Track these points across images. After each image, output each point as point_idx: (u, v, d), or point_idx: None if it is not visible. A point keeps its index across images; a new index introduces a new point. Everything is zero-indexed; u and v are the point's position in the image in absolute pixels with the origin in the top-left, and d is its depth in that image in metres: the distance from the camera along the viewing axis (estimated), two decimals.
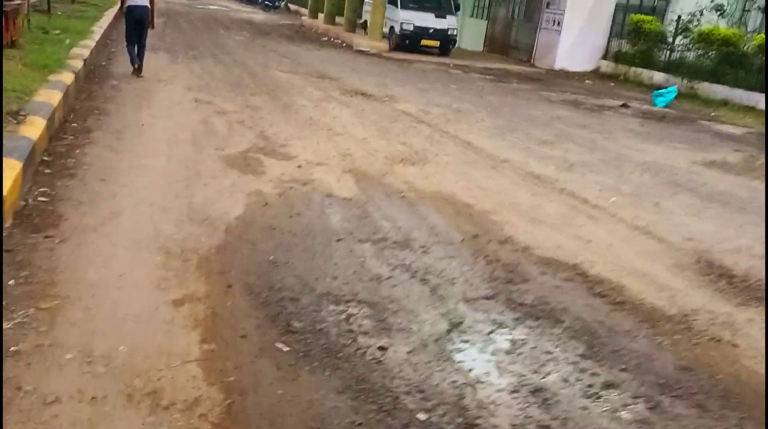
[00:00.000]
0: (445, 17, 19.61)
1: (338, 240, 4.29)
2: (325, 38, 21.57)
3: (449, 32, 19.57)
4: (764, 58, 14.67)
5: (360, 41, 19.42)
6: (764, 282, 4.36)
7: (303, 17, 29.22)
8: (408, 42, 19.39)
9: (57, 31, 10.58)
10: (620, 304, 3.85)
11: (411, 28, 19.24)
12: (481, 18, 23.74)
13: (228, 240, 4.06)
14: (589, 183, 6.63)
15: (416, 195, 5.47)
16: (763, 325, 3.75)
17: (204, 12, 27.41)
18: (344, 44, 20.10)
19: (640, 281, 4.21)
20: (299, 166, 5.90)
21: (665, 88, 15.60)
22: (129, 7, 9.23)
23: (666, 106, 14.01)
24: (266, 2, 36.32)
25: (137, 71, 9.41)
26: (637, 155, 8.33)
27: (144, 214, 4.32)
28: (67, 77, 7.06)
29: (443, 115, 9.62)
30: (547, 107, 11.88)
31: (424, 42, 19.44)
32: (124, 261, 3.59)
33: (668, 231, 5.31)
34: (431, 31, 19.32)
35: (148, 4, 9.26)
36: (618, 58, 18.79)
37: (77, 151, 5.42)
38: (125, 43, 9.43)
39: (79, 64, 8.14)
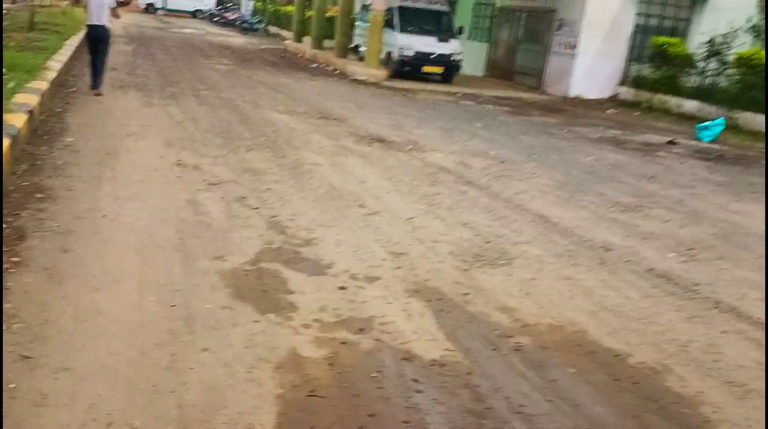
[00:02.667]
0: (448, 41, 17.84)
1: None
2: (315, 65, 19.66)
3: (453, 58, 17.76)
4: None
5: (355, 69, 17.54)
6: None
7: (286, 41, 27.31)
8: (408, 69, 17.56)
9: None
10: None
11: (411, 53, 17.41)
12: (481, 41, 22.04)
13: None
14: (735, 283, 4.74)
15: (533, 340, 3.50)
16: None
17: (179, 37, 25.39)
18: (337, 72, 18.20)
19: None
20: (342, 288, 3.89)
21: (702, 117, 13.98)
22: (88, 26, 9.84)
23: (712, 141, 12.30)
24: (244, 25, 34.44)
25: (95, 91, 9.74)
26: (747, 222, 6.52)
27: None
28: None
29: (487, 170, 7.71)
30: (592, 149, 10.07)
31: (425, 68, 17.62)
32: None
33: None
34: (433, 56, 17.50)
35: (105, 22, 9.66)
36: (638, 83, 17.14)
37: None
38: (89, 60, 9.94)
39: (20, 119, 6.07)
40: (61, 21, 19.85)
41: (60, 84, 9.98)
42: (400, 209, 5.68)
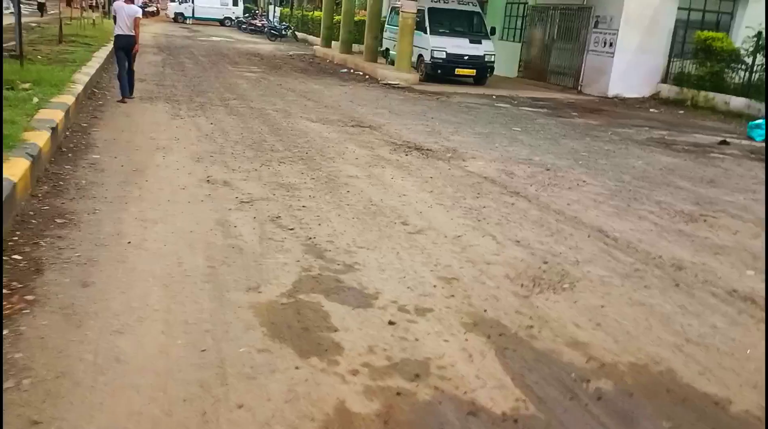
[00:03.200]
0: (480, 42, 17.34)
1: None
2: (344, 70, 19.31)
3: (486, 59, 17.26)
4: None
5: (386, 73, 17.15)
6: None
7: (314, 46, 27.05)
8: (440, 72, 17.11)
9: (26, 85, 8.27)
10: None
11: (443, 55, 16.96)
12: (513, 41, 21.48)
13: None
14: None
15: (615, 384, 3.03)
16: None
17: (207, 45, 25.30)
18: (367, 77, 17.83)
19: None
20: (391, 322, 3.46)
21: (750, 115, 13.37)
22: (115, 35, 9.98)
23: (766, 140, 11.61)
24: (272, 31, 34.30)
25: (125, 100, 9.94)
26: None
27: None
28: (17, 168, 4.68)
29: (533, 178, 7.23)
30: (640, 152, 9.51)
31: (458, 71, 17.16)
32: None
33: None
34: (466, 58, 17.03)
35: (132, 33, 9.81)
36: (681, 81, 16.45)
37: (4, 333, 3.00)
38: (117, 70, 10.17)
39: (43, 137, 5.78)
40: (90, 33, 19.87)
41: (87, 97, 9.76)
42: (445, 226, 5.24)
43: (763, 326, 3.83)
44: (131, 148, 7.02)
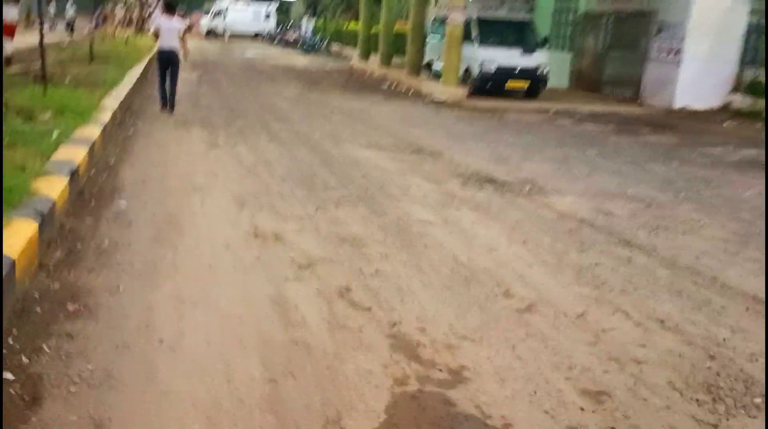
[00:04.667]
0: (532, 53, 16.13)
1: None
2: (386, 85, 18.26)
3: (539, 71, 16.05)
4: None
5: (431, 88, 16.06)
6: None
7: (351, 60, 26.09)
8: (490, 85, 15.93)
9: (48, 115, 7.33)
10: None
11: (493, 68, 15.79)
12: (564, 50, 20.22)
13: None
14: None
15: None
16: None
17: (241, 60, 24.54)
18: (411, 92, 16.75)
19: None
20: None
21: None
22: (159, 51, 10.22)
23: None
24: (306, 45, 33.50)
25: (166, 110, 10.27)
26: None
27: None
28: (19, 236, 3.65)
29: (636, 219, 6.05)
30: (742, 178, 8.27)
31: (510, 84, 15.97)
32: None
33: None
34: (518, 70, 15.84)
35: (176, 47, 10.08)
36: (755, 90, 15.02)
37: None
38: (157, 83, 10.52)
39: (58, 186, 4.78)
40: (123, 51, 19.16)
41: (117, 124, 8.83)
42: (559, 297, 4.09)
43: None
44: (164, 190, 6.01)
